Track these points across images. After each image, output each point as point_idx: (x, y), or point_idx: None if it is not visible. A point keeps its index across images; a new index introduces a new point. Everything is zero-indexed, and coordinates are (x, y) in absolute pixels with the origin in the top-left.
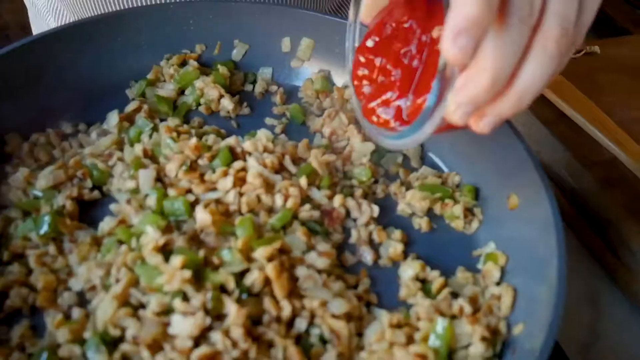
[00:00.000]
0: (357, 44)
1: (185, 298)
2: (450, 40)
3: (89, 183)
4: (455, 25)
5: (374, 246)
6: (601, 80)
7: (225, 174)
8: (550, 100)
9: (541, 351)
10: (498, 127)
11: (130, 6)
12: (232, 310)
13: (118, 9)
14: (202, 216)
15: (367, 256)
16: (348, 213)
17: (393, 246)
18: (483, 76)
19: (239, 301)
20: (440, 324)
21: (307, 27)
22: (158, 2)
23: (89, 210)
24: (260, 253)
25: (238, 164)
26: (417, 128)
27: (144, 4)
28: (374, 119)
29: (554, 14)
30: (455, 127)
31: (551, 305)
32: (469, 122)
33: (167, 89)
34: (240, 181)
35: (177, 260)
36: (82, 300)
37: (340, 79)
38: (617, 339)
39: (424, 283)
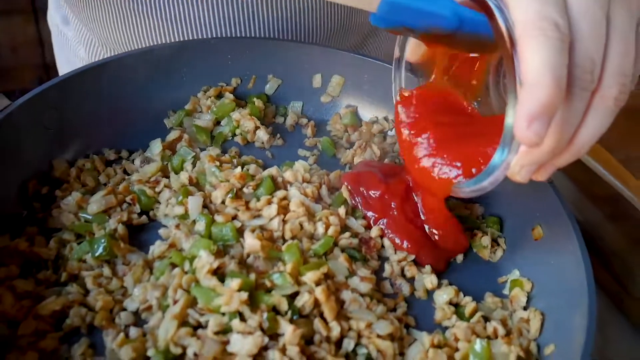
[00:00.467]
0: (402, 85)
1: (242, 318)
2: (524, 127)
3: (137, 208)
4: (530, 111)
5: (408, 279)
6: None
7: (269, 202)
8: None
9: None
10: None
11: (161, 41)
12: (289, 330)
13: (150, 44)
14: (251, 241)
15: (405, 288)
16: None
17: (429, 279)
18: (547, 143)
19: (291, 322)
20: (479, 343)
21: (338, 65)
22: (184, 38)
23: (136, 235)
24: (309, 277)
25: (281, 193)
26: (478, 182)
27: (170, 40)
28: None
29: (612, 72)
30: None
31: (584, 329)
32: None
33: (204, 120)
34: (283, 209)
35: (234, 282)
36: (138, 320)
37: (368, 114)
38: None
39: (457, 307)
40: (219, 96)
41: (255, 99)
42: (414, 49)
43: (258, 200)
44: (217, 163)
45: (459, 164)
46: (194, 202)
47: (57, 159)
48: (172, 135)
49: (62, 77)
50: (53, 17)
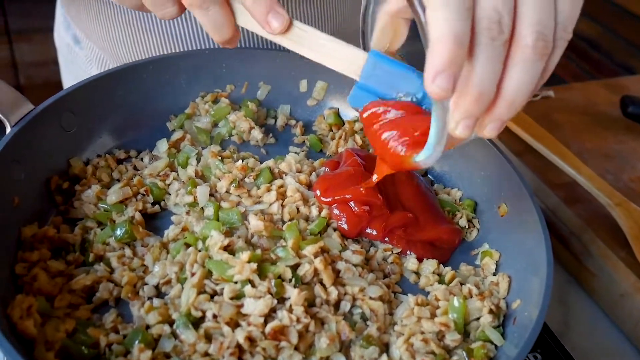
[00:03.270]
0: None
1: (253, 285)
2: (430, 82)
3: (150, 198)
4: (433, 68)
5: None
6: (557, 119)
7: (269, 189)
8: (518, 135)
9: (537, 320)
10: (502, 128)
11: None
12: (294, 292)
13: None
14: (256, 223)
15: (394, 268)
16: None
17: (411, 261)
18: (468, 94)
19: (295, 287)
20: (456, 300)
21: (322, 71)
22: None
23: (150, 222)
24: (309, 250)
25: (278, 182)
26: (429, 149)
27: (171, 52)
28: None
29: (526, 22)
30: (459, 140)
31: (543, 285)
32: (478, 133)
33: (204, 122)
34: (281, 195)
35: (244, 255)
36: (159, 293)
37: (349, 114)
38: (583, 328)
39: (439, 276)
40: (215, 101)
41: (249, 102)
42: (379, 38)
43: (258, 188)
44: (220, 158)
45: (406, 138)
46: (202, 191)
47: (73, 158)
48: (176, 135)
49: (77, 85)
50: (63, 37)
